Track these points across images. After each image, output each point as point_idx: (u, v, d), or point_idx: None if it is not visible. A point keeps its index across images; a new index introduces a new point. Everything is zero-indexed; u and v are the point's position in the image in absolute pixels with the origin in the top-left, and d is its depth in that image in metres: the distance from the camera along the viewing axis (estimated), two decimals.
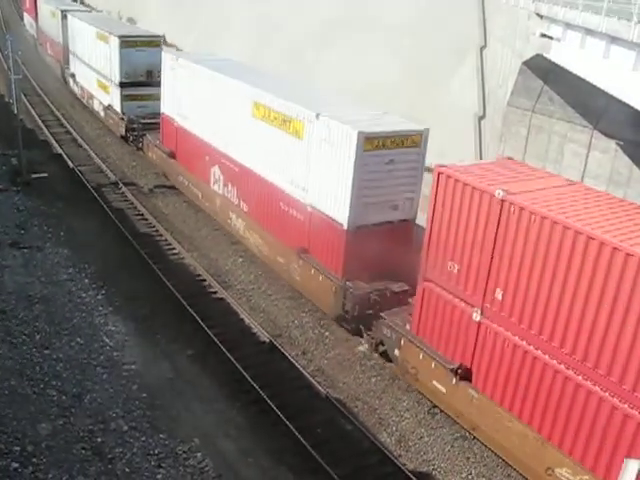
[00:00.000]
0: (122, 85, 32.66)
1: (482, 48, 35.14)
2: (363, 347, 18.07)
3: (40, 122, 36.29)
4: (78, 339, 15.80)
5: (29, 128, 33.90)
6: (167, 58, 27.33)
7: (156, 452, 12.78)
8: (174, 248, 23.04)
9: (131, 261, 21.52)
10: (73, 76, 42.38)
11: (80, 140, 33.99)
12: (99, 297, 18.21)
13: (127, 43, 32.16)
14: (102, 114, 36.92)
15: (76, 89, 42.77)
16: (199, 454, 13.04)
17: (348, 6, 44.40)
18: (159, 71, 28.42)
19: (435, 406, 15.74)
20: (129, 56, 32.23)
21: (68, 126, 36.27)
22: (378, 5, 42.21)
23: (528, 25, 24.90)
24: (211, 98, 23.90)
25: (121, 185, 28.17)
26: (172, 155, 27.70)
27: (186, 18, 61.96)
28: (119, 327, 16.91)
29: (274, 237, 20.84)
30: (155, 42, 33.02)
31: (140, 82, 32.54)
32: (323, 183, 18.26)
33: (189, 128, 25.84)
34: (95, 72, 36.74)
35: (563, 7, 20.97)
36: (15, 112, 26.97)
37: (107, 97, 35.20)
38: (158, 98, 28.88)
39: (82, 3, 76.82)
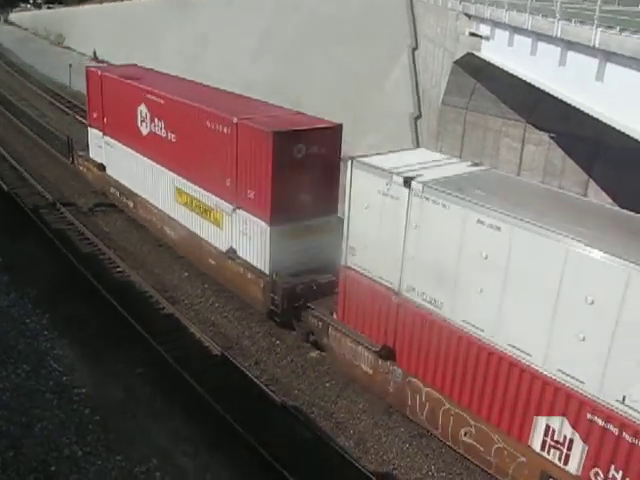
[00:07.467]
0: None
1: (414, 49, 35.64)
2: (315, 353, 18.11)
3: None
4: (24, 366, 15.32)
5: None
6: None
7: (113, 475, 12.51)
8: (118, 266, 22.65)
9: (75, 282, 21.04)
10: None
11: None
12: (44, 321, 17.71)
13: None
14: None
15: None
16: (158, 474, 12.83)
17: (280, 18, 44.55)
18: None
19: (391, 406, 15.89)
20: None
21: None
22: (311, 16, 42.47)
23: (457, 25, 25.40)
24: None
25: (59, 205, 27.58)
26: None
27: (118, 32, 61.19)
28: (66, 351, 16.48)
29: None
30: None
31: None
32: None
33: None
34: None
35: (490, 6, 21.48)
36: None
37: None
38: None
39: (6, 21, 75.05)
